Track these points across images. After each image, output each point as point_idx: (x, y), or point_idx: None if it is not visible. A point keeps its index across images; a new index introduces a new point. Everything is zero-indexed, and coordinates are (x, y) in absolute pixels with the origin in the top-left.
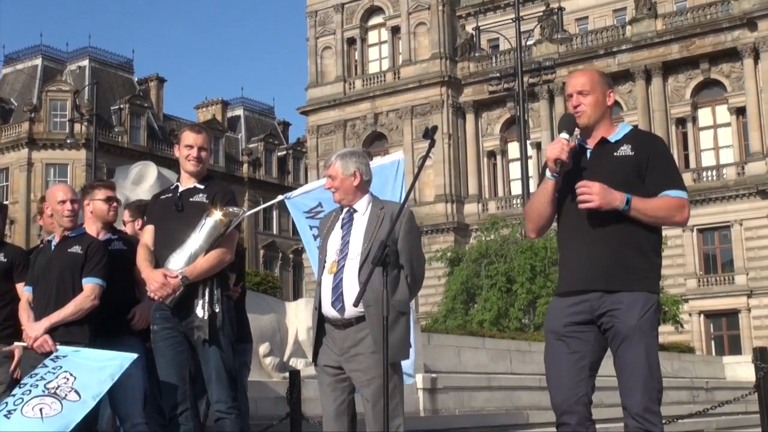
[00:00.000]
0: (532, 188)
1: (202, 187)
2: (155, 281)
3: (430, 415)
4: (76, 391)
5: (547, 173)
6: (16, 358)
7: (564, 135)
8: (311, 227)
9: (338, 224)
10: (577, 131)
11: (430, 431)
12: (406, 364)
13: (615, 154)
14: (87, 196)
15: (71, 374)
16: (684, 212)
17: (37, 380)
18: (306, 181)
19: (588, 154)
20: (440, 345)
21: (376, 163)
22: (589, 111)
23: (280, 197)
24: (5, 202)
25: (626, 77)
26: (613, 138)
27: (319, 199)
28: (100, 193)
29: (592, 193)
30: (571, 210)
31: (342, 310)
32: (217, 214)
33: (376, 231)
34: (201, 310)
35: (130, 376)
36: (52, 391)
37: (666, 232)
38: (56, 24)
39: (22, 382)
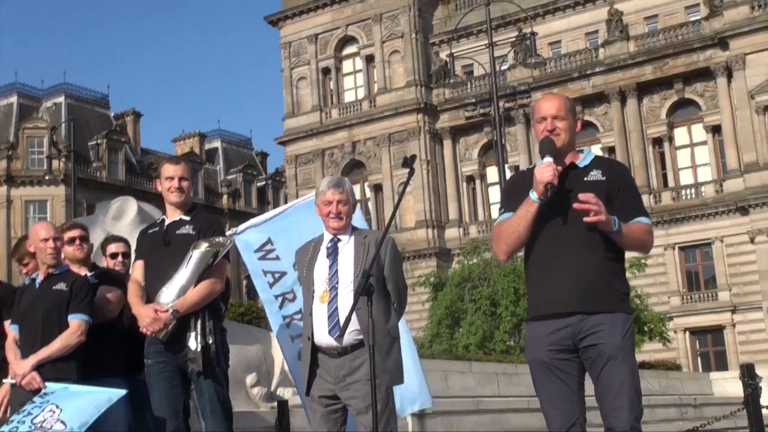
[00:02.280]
0: None
1: (188, 218)
2: (147, 317)
3: None
4: (62, 422)
5: (533, 196)
6: (3, 396)
7: (548, 158)
8: (265, 272)
9: (322, 253)
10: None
11: None
12: (423, 388)
13: (585, 179)
14: None
15: (57, 406)
16: (652, 237)
17: (24, 416)
18: None
19: (566, 177)
20: (427, 370)
21: (294, 203)
22: (563, 135)
23: (229, 233)
24: None
25: (601, 99)
26: (581, 163)
27: (268, 234)
28: (64, 235)
29: (597, 208)
30: (545, 233)
31: (339, 338)
32: (203, 246)
33: (365, 259)
34: (194, 342)
35: (112, 412)
36: (39, 425)
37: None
38: (31, 61)
39: (10, 419)
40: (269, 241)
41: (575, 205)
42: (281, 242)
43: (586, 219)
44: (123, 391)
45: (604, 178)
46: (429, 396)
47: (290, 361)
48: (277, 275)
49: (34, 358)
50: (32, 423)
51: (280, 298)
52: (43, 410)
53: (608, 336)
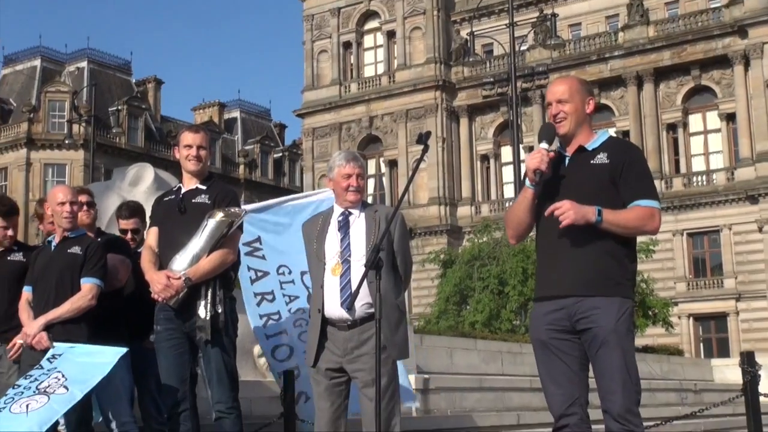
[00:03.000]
0: None
1: (204, 187)
2: (159, 283)
3: (422, 415)
4: (65, 387)
5: (527, 182)
6: (16, 347)
7: (544, 145)
8: (249, 267)
9: (332, 226)
10: (558, 140)
11: (427, 431)
12: (405, 384)
13: (591, 162)
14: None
15: (63, 374)
16: (654, 221)
17: (30, 381)
18: (302, 183)
19: (566, 162)
20: (432, 346)
21: (293, 200)
22: (569, 118)
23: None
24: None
25: (618, 83)
26: (590, 146)
27: (259, 232)
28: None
29: (564, 211)
30: (550, 217)
31: (351, 310)
32: (218, 215)
33: (377, 233)
34: (203, 311)
35: (115, 375)
36: (43, 390)
37: (656, 236)
38: (55, 26)
39: (17, 383)
40: (258, 240)
41: (545, 213)
42: (268, 245)
43: (560, 226)
44: (123, 349)
45: (609, 161)
46: (412, 394)
47: (266, 356)
48: (259, 274)
49: (43, 319)
50: (37, 388)
51: (258, 297)
52: (49, 377)
53: (602, 320)
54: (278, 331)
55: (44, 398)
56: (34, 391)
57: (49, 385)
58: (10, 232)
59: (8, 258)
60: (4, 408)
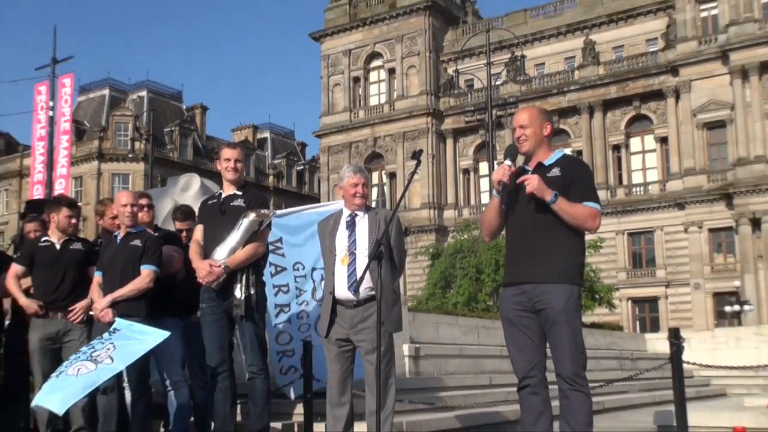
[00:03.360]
0: None
1: (240, 193)
2: (203, 270)
3: (414, 377)
4: (111, 358)
5: (493, 192)
6: (78, 308)
7: (507, 162)
8: (270, 263)
9: (342, 225)
10: (522, 157)
11: (415, 389)
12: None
13: (548, 174)
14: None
15: (114, 346)
16: (596, 221)
17: (88, 349)
18: (319, 190)
19: (530, 174)
20: (423, 322)
21: (315, 207)
22: (529, 140)
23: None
24: (79, 203)
25: (573, 112)
26: (547, 162)
27: (281, 233)
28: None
29: (531, 181)
30: (514, 219)
31: (357, 293)
32: (251, 215)
33: (377, 231)
34: (239, 292)
35: (170, 344)
36: (93, 358)
37: (602, 235)
38: (120, 61)
39: (80, 349)
40: (280, 240)
41: (517, 181)
42: (288, 244)
43: (527, 192)
44: (166, 333)
45: (561, 174)
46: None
47: (270, 338)
48: (279, 269)
49: (110, 297)
50: (90, 356)
51: (276, 288)
52: (103, 347)
53: (553, 302)
54: (285, 320)
55: (92, 365)
56: (87, 358)
57: (99, 355)
58: (73, 221)
59: (70, 247)
60: (63, 371)
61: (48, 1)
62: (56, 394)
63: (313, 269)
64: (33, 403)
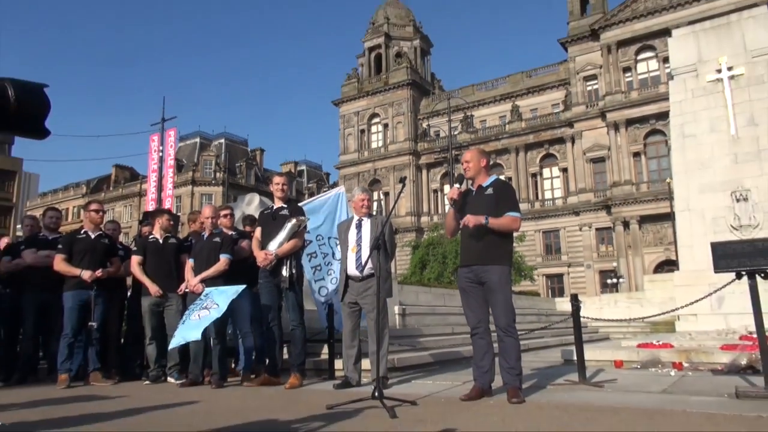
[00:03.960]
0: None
1: (285, 206)
2: (261, 257)
3: (402, 328)
4: (216, 304)
5: (450, 204)
6: (182, 288)
7: (456, 185)
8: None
9: (353, 226)
10: (468, 182)
11: (403, 336)
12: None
13: (485, 193)
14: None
15: (213, 300)
16: (517, 224)
17: (195, 306)
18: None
19: (473, 193)
20: (407, 291)
21: (320, 196)
22: (471, 170)
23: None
24: (178, 215)
25: (506, 152)
26: (485, 185)
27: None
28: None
29: (468, 222)
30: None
31: (362, 271)
32: (293, 221)
33: (377, 231)
34: (285, 272)
35: (241, 304)
36: (206, 306)
37: (526, 232)
38: (209, 118)
39: (188, 309)
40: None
41: (461, 225)
42: (310, 223)
43: (470, 227)
44: (243, 286)
45: (494, 192)
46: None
47: (313, 293)
48: (306, 242)
49: (200, 276)
50: (202, 307)
51: (308, 256)
52: (205, 303)
53: (492, 277)
54: (321, 277)
55: (206, 312)
56: (200, 309)
57: (207, 306)
58: (171, 223)
59: (169, 241)
60: (186, 319)
61: (159, 78)
62: (190, 332)
63: (329, 237)
64: (171, 345)
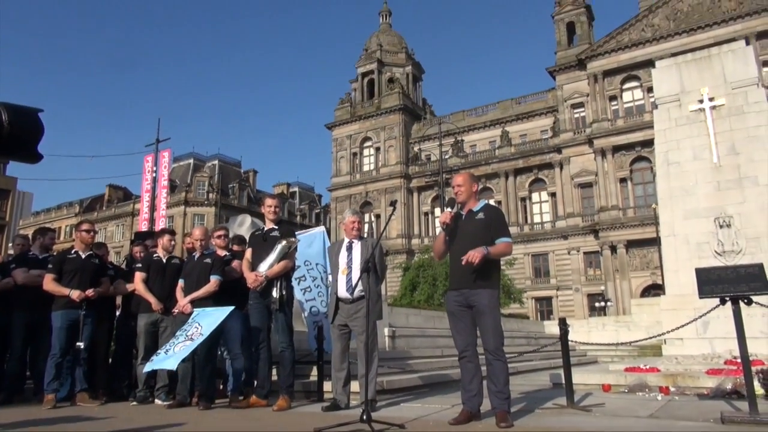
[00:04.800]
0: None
1: (276, 227)
2: (251, 278)
3: (391, 350)
4: (201, 333)
5: (441, 227)
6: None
7: (448, 209)
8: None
9: (343, 248)
10: (458, 206)
11: (392, 358)
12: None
13: (476, 218)
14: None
15: (199, 324)
16: (510, 249)
17: (182, 332)
18: (330, 226)
19: (463, 217)
20: (397, 313)
21: (306, 232)
22: (462, 194)
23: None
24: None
25: (496, 176)
26: (475, 209)
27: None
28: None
29: (470, 257)
30: (454, 247)
31: (352, 293)
32: (284, 242)
33: (366, 253)
34: (275, 293)
35: (232, 325)
36: (189, 336)
37: (515, 256)
38: (202, 139)
39: (176, 333)
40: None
41: (463, 263)
42: (298, 251)
43: (474, 264)
44: (231, 308)
45: (484, 217)
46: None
47: (303, 313)
48: (295, 267)
49: (189, 297)
50: (186, 335)
51: (296, 280)
52: (191, 327)
53: (481, 300)
54: (312, 297)
55: (189, 342)
56: (184, 338)
57: (192, 333)
58: (173, 242)
59: (172, 261)
60: (170, 349)
61: (156, 98)
62: (168, 360)
63: (317, 264)
64: (148, 368)
